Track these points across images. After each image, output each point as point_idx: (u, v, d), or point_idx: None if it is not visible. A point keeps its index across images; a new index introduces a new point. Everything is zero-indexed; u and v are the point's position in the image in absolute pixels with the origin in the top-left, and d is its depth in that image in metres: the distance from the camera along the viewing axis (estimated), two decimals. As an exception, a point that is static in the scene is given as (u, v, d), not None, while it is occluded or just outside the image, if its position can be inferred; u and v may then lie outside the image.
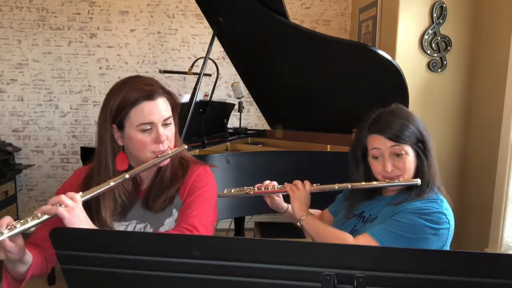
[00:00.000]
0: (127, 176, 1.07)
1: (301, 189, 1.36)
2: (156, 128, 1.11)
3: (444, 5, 2.78)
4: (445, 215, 1.16)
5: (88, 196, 1.01)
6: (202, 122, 2.50)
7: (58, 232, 0.76)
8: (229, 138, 2.83)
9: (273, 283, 0.69)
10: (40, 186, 3.82)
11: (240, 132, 3.08)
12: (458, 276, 0.66)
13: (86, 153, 2.55)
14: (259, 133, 3.09)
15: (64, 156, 3.80)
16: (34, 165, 3.73)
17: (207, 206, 1.16)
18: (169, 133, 1.14)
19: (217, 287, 0.72)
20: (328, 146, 2.52)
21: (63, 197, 0.95)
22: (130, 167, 1.15)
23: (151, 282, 0.73)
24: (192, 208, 1.12)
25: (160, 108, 1.11)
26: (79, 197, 0.98)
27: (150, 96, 1.09)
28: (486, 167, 2.70)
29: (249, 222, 3.42)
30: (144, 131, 1.10)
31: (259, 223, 3.30)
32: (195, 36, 3.78)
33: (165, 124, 1.13)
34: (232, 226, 2.77)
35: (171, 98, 1.17)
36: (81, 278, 0.76)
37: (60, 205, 0.94)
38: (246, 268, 0.69)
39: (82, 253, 0.74)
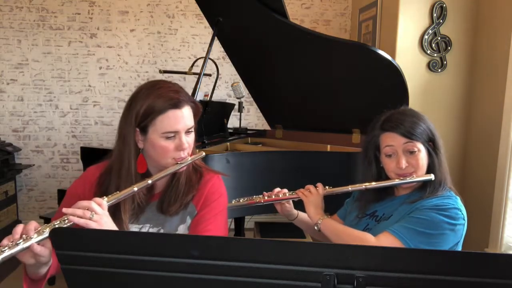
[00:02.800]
0: (149, 182, 1.08)
1: (314, 193, 1.35)
2: (180, 136, 1.12)
3: (444, 5, 2.78)
4: (460, 211, 1.19)
5: (113, 201, 1.03)
6: (202, 122, 2.50)
7: (58, 232, 0.76)
8: (229, 138, 2.83)
9: (273, 283, 0.69)
10: (40, 186, 3.82)
11: (240, 132, 3.08)
12: (458, 276, 0.66)
13: (86, 153, 2.55)
14: (259, 133, 3.09)
15: (64, 156, 3.80)
16: (34, 165, 3.73)
17: (219, 219, 1.18)
18: (190, 140, 1.16)
19: (217, 287, 0.72)
20: (328, 146, 2.52)
21: (93, 204, 0.96)
22: (148, 170, 1.17)
23: (151, 282, 0.73)
24: (207, 223, 1.14)
25: (185, 117, 1.12)
26: (106, 203, 1.00)
27: (176, 105, 1.10)
28: (486, 167, 2.70)
29: (249, 222, 3.42)
30: (168, 138, 1.11)
31: (259, 223, 3.30)
32: (195, 36, 3.78)
33: (187, 132, 1.14)
34: (232, 226, 2.77)
35: (195, 106, 1.18)
36: (81, 278, 0.76)
37: (90, 210, 0.96)
38: (246, 268, 0.69)
39: (82, 253, 0.74)
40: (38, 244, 0.90)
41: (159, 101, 1.09)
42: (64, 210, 0.95)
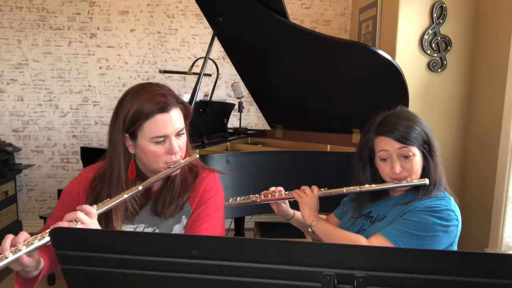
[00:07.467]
0: (140, 187, 1.07)
1: (309, 195, 1.35)
2: (170, 140, 1.10)
3: (444, 5, 2.78)
4: (453, 212, 1.19)
5: (103, 209, 1.02)
6: (202, 122, 2.50)
7: (58, 232, 0.76)
8: (229, 138, 2.83)
9: (273, 283, 0.69)
10: (40, 186, 3.81)
11: (240, 132, 3.08)
12: (458, 276, 0.66)
13: (86, 153, 2.54)
14: (259, 133, 3.09)
15: (64, 156, 3.80)
16: (34, 165, 3.73)
17: (215, 217, 1.16)
18: (181, 142, 1.14)
19: (217, 287, 0.72)
20: (328, 146, 2.52)
21: (79, 214, 0.96)
22: (139, 174, 1.16)
23: (151, 282, 0.73)
24: (202, 221, 1.13)
25: (174, 120, 1.10)
26: (95, 212, 0.99)
27: (164, 109, 1.08)
28: (486, 167, 2.70)
29: (249, 222, 3.42)
30: (157, 143, 1.10)
31: (259, 223, 3.30)
32: (195, 36, 3.78)
33: (178, 135, 1.13)
34: (232, 226, 2.77)
35: (184, 108, 1.16)
36: (81, 278, 0.76)
37: (76, 221, 0.95)
38: (246, 268, 0.69)
39: (82, 253, 0.74)
40: (26, 255, 0.91)
41: (146, 106, 1.07)
42: (51, 227, 0.93)
